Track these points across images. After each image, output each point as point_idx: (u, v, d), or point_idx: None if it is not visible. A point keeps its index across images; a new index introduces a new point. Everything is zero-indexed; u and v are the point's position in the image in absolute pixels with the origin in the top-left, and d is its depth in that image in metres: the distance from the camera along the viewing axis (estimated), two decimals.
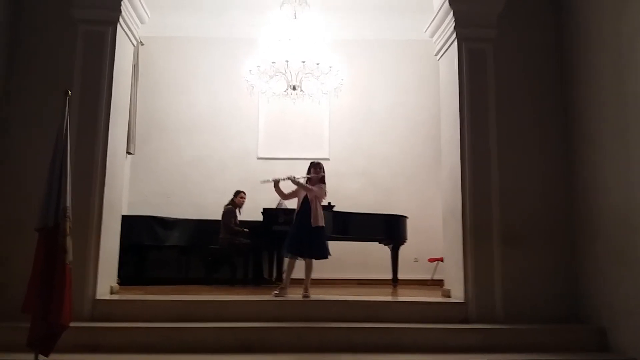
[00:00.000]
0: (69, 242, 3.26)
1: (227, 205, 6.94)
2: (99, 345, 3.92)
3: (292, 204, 5.56)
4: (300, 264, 5.20)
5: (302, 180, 5.20)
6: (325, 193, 5.23)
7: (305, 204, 5.12)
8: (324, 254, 5.12)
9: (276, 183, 5.16)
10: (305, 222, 5.03)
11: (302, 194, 5.17)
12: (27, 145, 4.58)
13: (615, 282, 4.19)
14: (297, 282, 5.22)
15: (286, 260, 5.29)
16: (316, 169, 5.25)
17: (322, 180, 5.25)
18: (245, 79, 6.58)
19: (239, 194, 6.99)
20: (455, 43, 5.05)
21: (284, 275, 5.16)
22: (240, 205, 6.99)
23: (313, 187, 5.13)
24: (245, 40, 7.82)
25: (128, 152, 7.35)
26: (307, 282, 5.06)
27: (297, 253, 5.13)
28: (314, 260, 5.17)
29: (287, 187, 5.28)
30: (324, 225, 5.15)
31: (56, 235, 3.23)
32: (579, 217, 4.72)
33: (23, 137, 4.60)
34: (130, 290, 5.31)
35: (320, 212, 5.11)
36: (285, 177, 5.16)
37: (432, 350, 4.06)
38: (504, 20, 5.02)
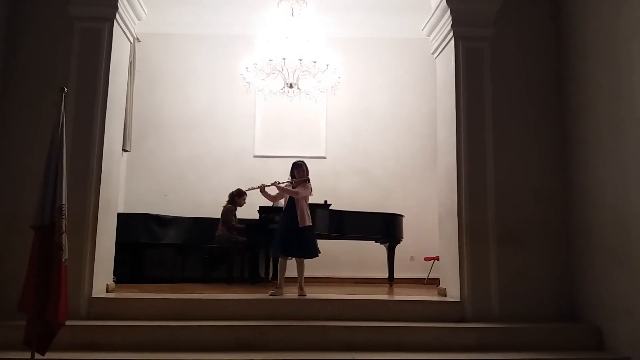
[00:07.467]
0: (65, 239, 3.26)
1: (227, 204, 6.92)
2: (95, 343, 3.91)
3: None
4: (291, 263, 5.21)
5: (286, 185, 5.22)
6: (311, 190, 5.24)
7: (291, 204, 5.13)
8: (313, 252, 5.15)
9: (262, 189, 5.22)
10: (293, 222, 5.05)
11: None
12: (22, 142, 4.55)
13: (610, 281, 4.21)
14: (293, 280, 5.22)
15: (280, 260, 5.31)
16: (299, 171, 5.26)
17: (306, 179, 5.25)
18: (242, 76, 6.56)
19: (242, 195, 6.90)
20: (453, 42, 5.05)
21: (278, 275, 5.18)
22: (240, 206, 6.97)
23: (298, 189, 5.14)
24: (242, 38, 7.81)
25: (124, 150, 7.32)
26: (301, 280, 5.07)
27: (285, 253, 5.16)
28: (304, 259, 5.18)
29: (275, 189, 5.32)
30: (311, 224, 5.17)
31: (52, 233, 3.23)
32: (574, 217, 4.74)
33: (18, 134, 4.58)
34: (126, 288, 5.29)
35: (307, 211, 5.12)
36: (270, 183, 5.25)
37: (428, 349, 4.07)
38: (502, 20, 5.02)
